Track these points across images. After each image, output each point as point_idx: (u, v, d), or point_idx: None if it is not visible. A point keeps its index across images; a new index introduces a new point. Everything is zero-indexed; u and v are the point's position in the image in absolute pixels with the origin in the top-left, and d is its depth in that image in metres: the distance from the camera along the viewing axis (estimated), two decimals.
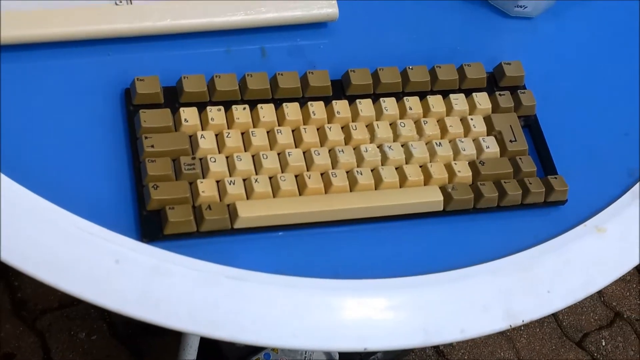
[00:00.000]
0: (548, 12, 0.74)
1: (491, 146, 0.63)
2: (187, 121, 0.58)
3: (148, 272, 0.54)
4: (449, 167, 0.61)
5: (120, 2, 0.64)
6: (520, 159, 0.63)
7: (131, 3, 0.64)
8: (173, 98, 0.60)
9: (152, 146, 0.57)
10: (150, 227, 0.55)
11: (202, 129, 0.59)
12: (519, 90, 0.66)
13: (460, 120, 0.64)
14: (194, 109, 0.59)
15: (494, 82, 0.68)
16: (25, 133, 0.57)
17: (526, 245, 0.62)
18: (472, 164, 0.62)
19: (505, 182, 0.61)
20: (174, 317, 0.53)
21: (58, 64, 0.60)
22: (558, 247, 0.62)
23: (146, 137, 0.57)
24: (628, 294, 1.48)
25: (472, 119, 0.64)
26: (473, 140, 0.63)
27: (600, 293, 1.46)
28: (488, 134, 0.64)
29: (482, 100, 0.65)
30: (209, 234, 0.56)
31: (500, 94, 0.66)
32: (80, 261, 0.53)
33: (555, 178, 0.63)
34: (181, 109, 0.59)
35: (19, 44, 0.59)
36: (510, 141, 0.64)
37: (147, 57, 0.63)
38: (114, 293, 0.53)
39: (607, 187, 0.66)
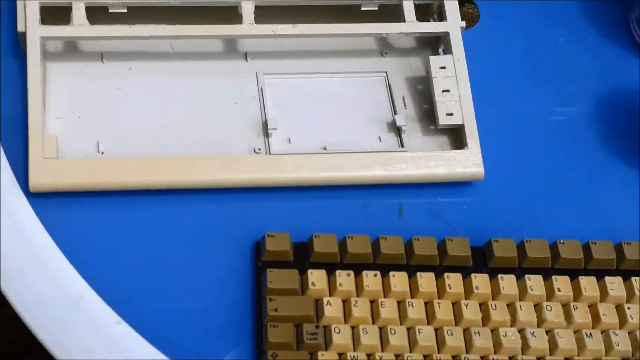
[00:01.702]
0: None
1: None
2: (315, 285, 0.55)
3: None
4: None
5: (259, 150, 0.62)
6: None
7: (269, 153, 0.62)
8: (303, 256, 0.57)
9: (276, 310, 0.54)
10: None
11: (330, 295, 0.55)
12: None
13: (616, 307, 0.57)
14: (323, 272, 0.56)
15: None
16: (155, 282, 0.56)
17: None
18: None
19: None
20: None
21: (194, 209, 0.59)
22: None
23: (271, 300, 0.54)
24: None
25: (629, 308, 0.57)
26: (629, 334, 0.56)
27: None
28: None
29: None
30: None
31: None
32: None
33: None
34: (309, 272, 0.56)
35: (164, 189, 0.59)
36: None
37: (281, 207, 0.61)
38: None
39: None
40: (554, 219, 0.63)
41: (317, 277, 0.55)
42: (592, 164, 0.67)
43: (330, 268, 0.57)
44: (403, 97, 0.67)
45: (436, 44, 0.69)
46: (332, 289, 0.56)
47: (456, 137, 0.66)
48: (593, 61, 0.73)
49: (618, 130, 0.69)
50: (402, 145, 0.65)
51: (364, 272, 0.56)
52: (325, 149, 0.63)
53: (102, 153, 0.59)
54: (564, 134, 0.69)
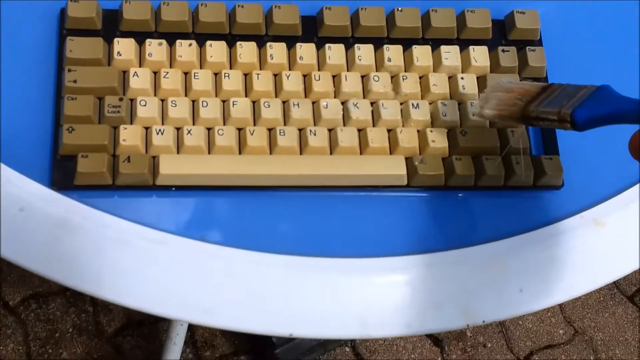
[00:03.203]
0: None
1: None
2: (121, 55, 0.51)
3: (54, 224, 0.48)
4: (422, 135, 0.52)
5: None
6: (512, 131, 0.53)
7: None
8: (114, 25, 0.53)
9: (75, 81, 0.50)
10: (62, 174, 0.49)
11: (139, 66, 0.52)
12: (528, 47, 0.56)
13: (449, 78, 0.54)
14: (131, 41, 0.51)
15: (502, 34, 0.57)
16: None
17: (504, 233, 0.53)
18: (452, 133, 0.53)
19: (486, 159, 0.52)
20: (78, 277, 0.48)
21: None
22: (544, 239, 0.53)
23: (70, 70, 0.50)
24: None
25: (462, 78, 0.54)
26: (459, 104, 0.54)
27: None
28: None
29: (479, 55, 0.55)
30: (128, 188, 0.49)
31: (503, 50, 0.55)
32: None
33: (550, 159, 0.53)
34: (115, 40, 0.51)
35: None
36: None
37: None
38: (15, 243, 0.48)
39: (616, 176, 0.55)
40: None
41: (124, 47, 0.51)
42: None
43: (143, 37, 0.52)
44: None
45: None
46: (142, 60, 0.52)
47: None
48: None
49: None
50: None
51: (178, 42, 0.52)
52: None
53: None
54: None
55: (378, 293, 0.50)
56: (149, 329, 1.16)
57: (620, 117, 0.43)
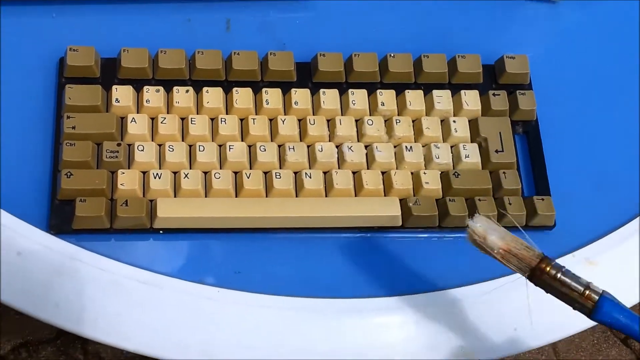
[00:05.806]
0: None
1: (472, 155, 0.54)
2: (119, 101, 0.52)
3: (52, 268, 0.49)
4: (416, 177, 0.53)
5: None
6: (504, 173, 0.54)
7: None
8: (112, 73, 0.54)
9: (74, 127, 0.51)
10: (60, 218, 0.49)
11: (137, 112, 0.52)
12: (518, 91, 0.57)
13: (441, 121, 0.55)
14: (129, 88, 0.53)
15: (492, 79, 0.58)
16: None
17: (498, 274, 0.53)
18: (445, 175, 0.53)
19: (479, 200, 0.53)
20: (74, 320, 0.48)
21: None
22: None
23: (68, 117, 0.51)
24: None
25: (454, 121, 0.55)
26: (451, 147, 0.55)
27: None
28: (472, 141, 0.55)
29: (471, 99, 0.56)
30: (126, 231, 0.50)
31: (494, 94, 0.57)
32: None
33: (542, 200, 0.54)
34: (114, 87, 0.52)
35: None
36: (496, 151, 0.55)
37: (97, 21, 0.57)
38: (13, 287, 0.48)
39: (607, 216, 0.56)
40: (389, 33, 0.60)
41: (122, 94, 0.52)
42: None
43: (142, 85, 0.53)
44: None
45: None
46: (139, 106, 0.53)
47: None
48: None
49: None
50: None
51: (175, 88, 0.53)
52: None
53: None
54: None
55: (370, 334, 0.50)
56: None
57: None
